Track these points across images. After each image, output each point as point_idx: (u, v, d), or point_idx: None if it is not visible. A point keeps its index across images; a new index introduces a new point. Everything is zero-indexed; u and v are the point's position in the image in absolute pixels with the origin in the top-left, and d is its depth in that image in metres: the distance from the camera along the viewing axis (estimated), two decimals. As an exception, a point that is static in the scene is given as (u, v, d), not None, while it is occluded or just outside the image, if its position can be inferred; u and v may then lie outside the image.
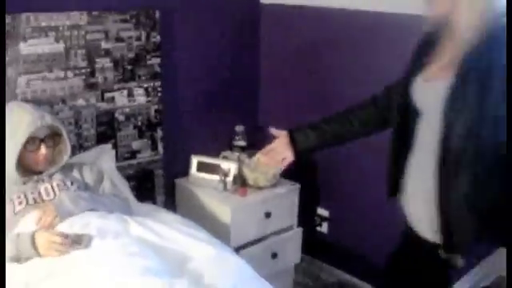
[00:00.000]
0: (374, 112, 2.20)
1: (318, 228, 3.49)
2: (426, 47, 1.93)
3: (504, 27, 1.70)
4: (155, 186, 3.24)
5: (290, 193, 3.24)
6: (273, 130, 2.36)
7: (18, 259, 2.21)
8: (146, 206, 2.90)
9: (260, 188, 3.18)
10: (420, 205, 1.96)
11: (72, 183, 2.56)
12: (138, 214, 2.63)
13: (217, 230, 2.83)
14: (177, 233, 2.47)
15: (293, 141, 2.28)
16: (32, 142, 2.46)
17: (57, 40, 2.76)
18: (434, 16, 1.85)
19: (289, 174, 3.20)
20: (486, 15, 1.73)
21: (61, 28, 2.76)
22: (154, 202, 3.18)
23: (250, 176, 3.17)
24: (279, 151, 2.32)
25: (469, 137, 1.73)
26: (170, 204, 3.26)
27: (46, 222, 2.30)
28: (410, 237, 2.07)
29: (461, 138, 1.74)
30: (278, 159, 2.34)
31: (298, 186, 3.26)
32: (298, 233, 3.30)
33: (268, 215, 3.14)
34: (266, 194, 3.17)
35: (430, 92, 1.85)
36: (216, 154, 3.33)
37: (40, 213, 2.33)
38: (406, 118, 1.97)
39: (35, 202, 2.44)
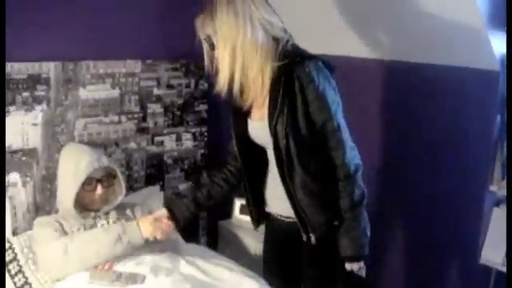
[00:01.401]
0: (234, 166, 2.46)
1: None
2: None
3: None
4: (199, 227, 3.29)
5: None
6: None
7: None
8: (193, 246, 2.94)
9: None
10: (278, 202, 2.25)
11: (126, 221, 2.63)
12: (186, 254, 2.67)
13: (258, 271, 2.85)
14: (224, 271, 2.51)
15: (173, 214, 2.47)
16: (89, 182, 2.55)
17: (113, 86, 2.88)
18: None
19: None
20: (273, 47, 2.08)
21: (117, 75, 2.88)
22: (198, 243, 3.22)
23: (291, 219, 3.21)
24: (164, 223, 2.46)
25: (288, 138, 2.05)
26: (213, 245, 3.29)
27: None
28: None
29: (283, 140, 2.05)
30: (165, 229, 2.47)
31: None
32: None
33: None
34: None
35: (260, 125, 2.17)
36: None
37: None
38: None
39: None
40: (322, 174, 2.10)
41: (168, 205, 2.54)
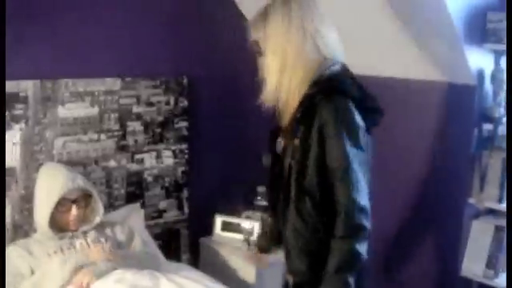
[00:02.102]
0: None
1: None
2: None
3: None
4: (180, 244, 3.25)
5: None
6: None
7: None
8: (174, 264, 2.90)
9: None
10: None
11: (106, 240, 2.59)
12: (167, 271, 2.64)
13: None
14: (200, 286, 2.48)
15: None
16: (64, 202, 2.52)
17: (92, 104, 2.84)
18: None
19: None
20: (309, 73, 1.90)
21: (96, 93, 2.85)
22: (179, 260, 3.18)
23: (272, 235, 3.18)
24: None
25: (290, 172, 1.90)
26: (194, 262, 3.25)
27: (84, 283, 2.33)
28: None
29: (286, 170, 1.92)
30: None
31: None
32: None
33: (291, 274, 3.12)
34: (289, 252, 3.16)
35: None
36: (238, 214, 3.35)
37: (78, 276, 2.37)
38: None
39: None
40: (317, 223, 1.88)
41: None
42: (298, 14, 1.89)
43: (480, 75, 2.72)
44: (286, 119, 1.97)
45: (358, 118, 1.86)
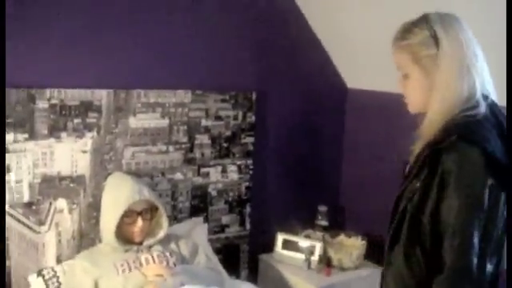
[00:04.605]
0: None
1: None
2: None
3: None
4: (240, 260, 3.13)
5: (372, 275, 3.07)
6: None
7: None
8: (237, 281, 2.79)
9: (343, 269, 3.03)
10: None
11: (171, 255, 2.49)
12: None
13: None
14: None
15: None
16: (130, 214, 2.43)
17: (162, 116, 2.76)
18: (410, 104, 1.82)
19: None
20: (451, 110, 1.69)
21: (167, 105, 2.76)
22: (238, 276, 3.06)
23: (334, 256, 3.03)
24: None
25: (409, 218, 1.71)
26: (253, 279, 3.12)
27: None
28: None
29: (399, 214, 1.74)
30: None
31: (380, 268, 3.09)
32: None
33: (351, 296, 2.98)
34: (350, 275, 3.02)
35: None
36: (298, 233, 3.22)
37: None
38: None
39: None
40: (423, 274, 1.69)
41: None
42: (464, 38, 1.72)
43: None
44: (419, 143, 1.77)
45: (486, 175, 1.62)
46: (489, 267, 1.67)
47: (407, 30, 1.77)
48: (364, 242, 3.11)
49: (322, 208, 3.31)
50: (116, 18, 2.62)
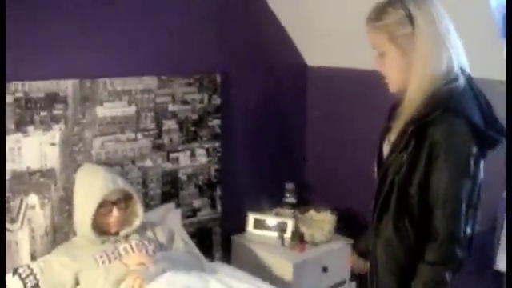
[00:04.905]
0: None
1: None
2: (393, 110, 1.93)
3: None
4: (213, 243, 3.13)
5: (344, 247, 3.14)
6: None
7: None
8: (215, 264, 2.79)
9: (315, 244, 3.09)
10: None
11: (149, 242, 2.47)
12: (211, 271, 2.53)
13: (276, 285, 2.71)
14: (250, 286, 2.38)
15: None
16: (105, 205, 2.39)
17: (129, 103, 2.70)
18: (391, 83, 1.85)
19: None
20: (432, 84, 1.74)
21: (133, 92, 2.71)
22: (212, 259, 3.06)
23: (306, 232, 3.08)
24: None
25: (392, 189, 1.78)
26: (227, 260, 3.13)
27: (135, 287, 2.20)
28: None
29: (387, 186, 1.79)
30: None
31: (351, 241, 3.16)
32: (352, 286, 3.20)
33: (325, 270, 3.04)
34: (323, 249, 3.08)
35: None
36: (268, 212, 3.25)
37: (128, 280, 2.23)
38: None
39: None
40: (414, 244, 1.77)
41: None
42: (437, 14, 1.75)
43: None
44: (401, 120, 1.81)
45: (472, 145, 1.71)
46: (468, 230, 1.76)
47: (381, 11, 1.79)
48: (334, 215, 3.18)
49: (289, 185, 3.35)
50: (78, 5, 2.53)
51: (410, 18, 1.74)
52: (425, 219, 1.75)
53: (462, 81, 1.75)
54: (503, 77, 2.59)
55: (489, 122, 1.76)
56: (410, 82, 1.77)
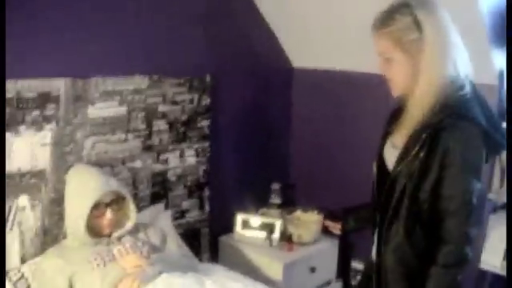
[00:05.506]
0: None
1: (353, 281, 3.41)
2: (396, 114, 1.96)
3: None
4: (201, 244, 3.11)
5: (331, 248, 3.16)
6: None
7: None
8: (208, 265, 2.77)
9: (303, 244, 3.09)
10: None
11: (143, 244, 2.43)
12: (204, 272, 2.51)
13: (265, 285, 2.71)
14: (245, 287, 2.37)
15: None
16: (98, 206, 2.35)
17: (120, 104, 2.66)
18: (395, 88, 1.88)
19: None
20: (441, 91, 1.77)
21: (124, 92, 2.66)
22: (200, 260, 3.04)
23: (294, 232, 3.08)
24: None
25: (404, 193, 1.79)
26: (215, 261, 3.11)
27: None
28: None
29: (398, 193, 1.80)
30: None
31: (337, 241, 3.19)
32: (338, 286, 3.22)
33: (313, 270, 3.05)
34: (311, 249, 3.09)
35: (394, 156, 1.88)
36: (253, 212, 3.25)
37: (125, 282, 2.20)
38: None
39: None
40: (424, 249, 1.79)
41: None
42: (443, 19, 1.77)
43: (500, 75, 2.70)
44: (407, 124, 1.83)
45: (483, 150, 1.76)
46: (474, 232, 1.79)
47: (389, 17, 1.81)
48: (320, 215, 3.19)
49: (275, 186, 3.35)
50: (69, 5, 2.47)
51: (418, 24, 1.76)
52: (435, 223, 1.77)
53: (469, 88, 1.78)
54: (493, 81, 2.67)
55: (493, 128, 1.80)
56: (416, 86, 1.79)
